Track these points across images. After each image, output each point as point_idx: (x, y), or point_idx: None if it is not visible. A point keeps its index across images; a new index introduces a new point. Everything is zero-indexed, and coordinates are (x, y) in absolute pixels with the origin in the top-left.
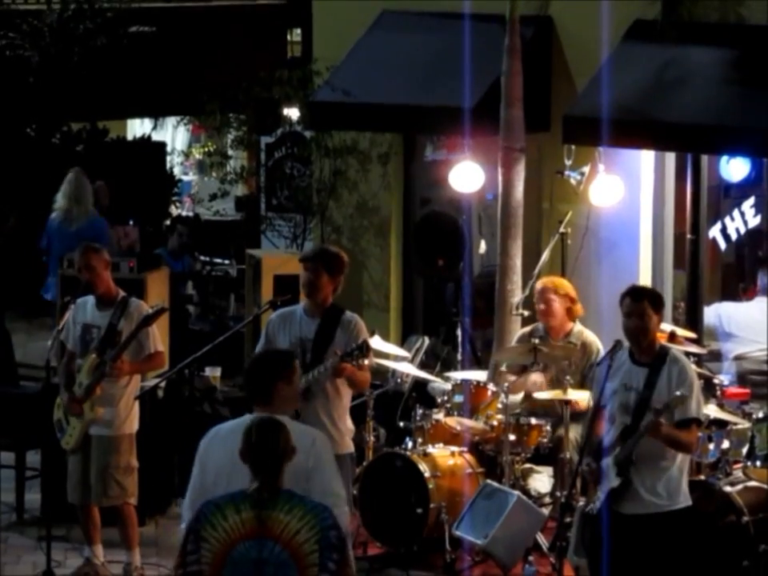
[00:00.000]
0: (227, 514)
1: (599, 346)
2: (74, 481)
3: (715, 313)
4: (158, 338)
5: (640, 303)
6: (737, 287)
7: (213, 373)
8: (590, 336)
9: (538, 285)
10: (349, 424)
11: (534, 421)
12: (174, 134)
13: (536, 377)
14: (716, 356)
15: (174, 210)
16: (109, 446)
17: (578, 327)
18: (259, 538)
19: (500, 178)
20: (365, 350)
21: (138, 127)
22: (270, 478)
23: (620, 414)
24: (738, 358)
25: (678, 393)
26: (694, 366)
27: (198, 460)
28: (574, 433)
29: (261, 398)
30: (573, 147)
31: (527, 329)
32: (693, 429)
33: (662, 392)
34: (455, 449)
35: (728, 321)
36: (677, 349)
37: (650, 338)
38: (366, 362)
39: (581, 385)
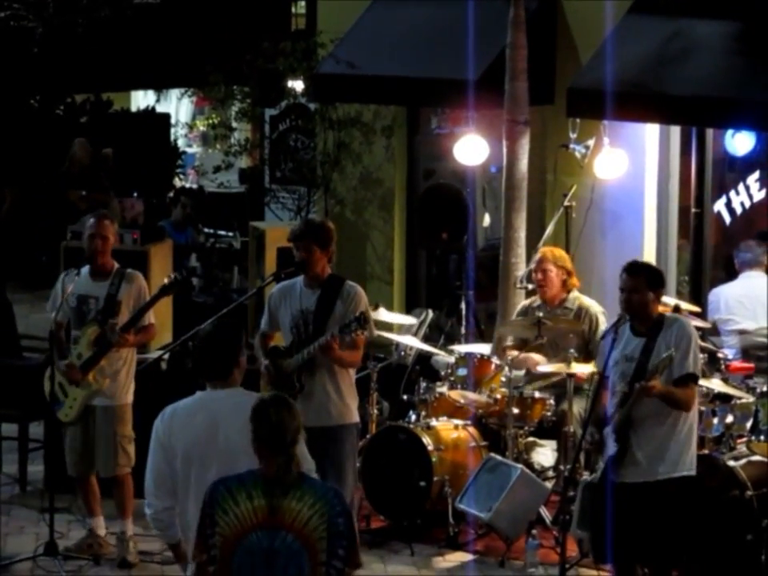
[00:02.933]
0: (239, 499)
1: (596, 309)
2: (75, 453)
3: (714, 300)
4: (151, 310)
5: (635, 278)
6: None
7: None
8: (587, 300)
9: (537, 254)
10: (355, 394)
11: (537, 394)
12: (177, 106)
13: (537, 357)
14: (718, 331)
15: (178, 182)
16: (114, 415)
17: (573, 294)
18: (271, 528)
19: (504, 150)
20: (362, 322)
21: (141, 99)
22: (290, 458)
23: (620, 383)
24: (742, 333)
25: (664, 354)
26: (694, 324)
27: (159, 444)
28: (578, 406)
29: (221, 374)
30: (578, 120)
31: (527, 301)
32: (690, 385)
33: (659, 353)
34: (459, 422)
35: (726, 304)
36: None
37: (647, 313)
38: (365, 334)
39: (582, 352)
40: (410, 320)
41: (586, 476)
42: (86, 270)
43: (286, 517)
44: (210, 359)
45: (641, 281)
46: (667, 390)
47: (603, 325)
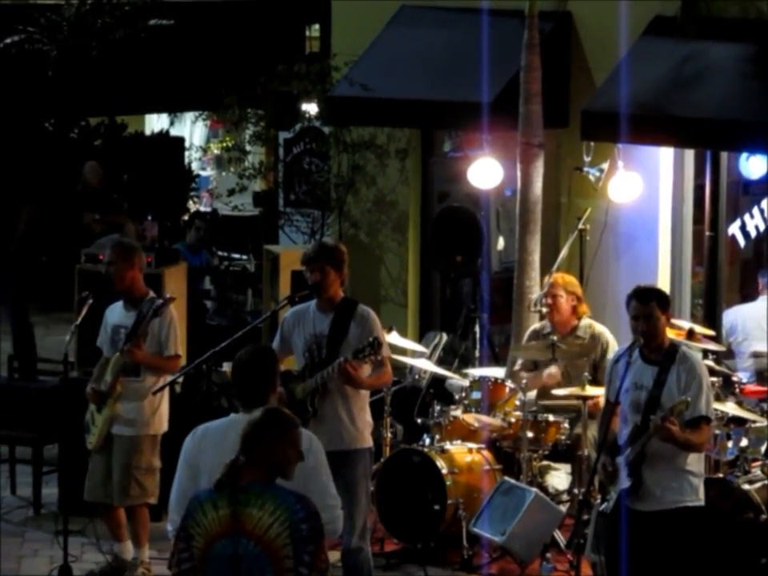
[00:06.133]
0: (206, 510)
1: (608, 336)
2: (95, 480)
3: (730, 321)
4: (179, 341)
5: (647, 305)
6: (755, 285)
7: (230, 368)
8: (599, 327)
9: (549, 279)
10: (368, 418)
11: (551, 418)
12: (192, 129)
13: (551, 369)
14: (733, 353)
15: (192, 206)
16: (130, 445)
17: (585, 321)
18: (234, 534)
19: (518, 173)
20: (376, 346)
21: (155, 122)
22: (237, 465)
23: (631, 412)
24: (756, 355)
25: (680, 398)
26: (710, 362)
27: (185, 461)
28: (592, 430)
29: (258, 400)
30: (592, 143)
31: (537, 325)
32: (703, 427)
33: (671, 390)
34: (473, 445)
35: (743, 324)
36: (687, 345)
37: (662, 338)
38: (385, 353)
39: (594, 377)
40: (420, 348)
41: (600, 500)
42: (121, 302)
43: (246, 524)
44: (247, 386)
45: (653, 306)
46: (680, 434)
47: (613, 351)
